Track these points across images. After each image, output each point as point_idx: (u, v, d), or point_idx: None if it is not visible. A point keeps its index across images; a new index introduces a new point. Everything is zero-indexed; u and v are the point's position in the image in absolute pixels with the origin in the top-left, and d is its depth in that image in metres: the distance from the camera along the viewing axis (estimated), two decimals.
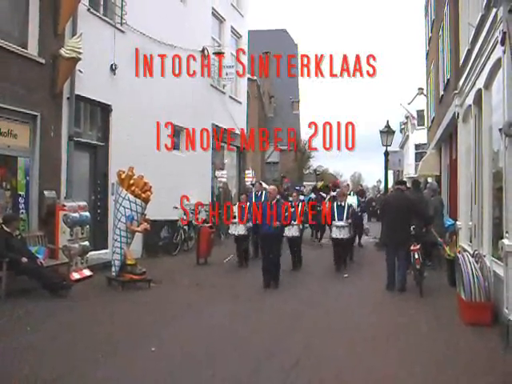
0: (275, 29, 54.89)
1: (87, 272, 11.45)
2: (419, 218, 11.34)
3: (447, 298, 9.70)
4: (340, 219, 13.01)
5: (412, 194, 12.87)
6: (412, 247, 10.72)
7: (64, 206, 11.22)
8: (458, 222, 13.08)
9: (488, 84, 9.52)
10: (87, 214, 11.79)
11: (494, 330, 7.67)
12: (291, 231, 12.87)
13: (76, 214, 11.35)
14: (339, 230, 12.92)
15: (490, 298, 8.12)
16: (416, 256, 10.57)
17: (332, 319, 8.57)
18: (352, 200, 15.59)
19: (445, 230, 12.92)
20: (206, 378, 5.74)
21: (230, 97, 22.35)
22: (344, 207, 13.16)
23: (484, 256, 8.96)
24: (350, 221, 13.07)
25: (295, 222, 12.92)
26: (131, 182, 10.86)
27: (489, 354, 6.77)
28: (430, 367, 6.25)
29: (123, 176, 10.96)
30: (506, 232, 7.31)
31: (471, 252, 9.73)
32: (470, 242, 11.74)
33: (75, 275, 10.95)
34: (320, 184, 22.76)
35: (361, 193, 21.31)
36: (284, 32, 56.32)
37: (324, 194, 19.15)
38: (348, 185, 16.30)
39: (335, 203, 13.58)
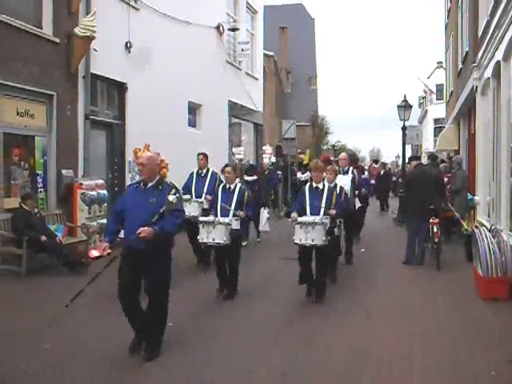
0: (291, 3, 54.19)
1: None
2: (439, 193, 11.31)
3: (464, 273, 9.67)
4: (314, 212, 7.97)
5: (431, 168, 12.79)
6: (431, 220, 10.72)
7: (82, 184, 11.32)
8: (475, 197, 12.98)
9: (507, 56, 9.39)
10: (105, 192, 11.89)
11: (511, 304, 7.67)
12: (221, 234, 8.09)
13: (94, 193, 11.46)
14: (305, 231, 7.72)
15: (506, 273, 8.09)
16: (435, 230, 10.58)
17: (345, 292, 8.64)
18: (344, 180, 10.30)
19: (467, 205, 12.83)
20: None
21: (247, 73, 22.22)
22: (323, 191, 8.12)
23: (501, 230, 8.92)
24: (334, 212, 7.99)
25: (231, 218, 8.18)
26: None
27: (505, 328, 6.78)
28: (444, 341, 6.30)
29: (139, 153, 10.98)
30: None
31: (489, 227, 9.66)
32: (488, 216, 11.69)
33: (94, 253, 11.06)
34: (306, 157, 17.49)
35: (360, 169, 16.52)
36: (300, 6, 55.66)
37: (301, 174, 16.45)
38: (345, 159, 11.44)
39: (307, 186, 8.46)
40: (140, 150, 11.49)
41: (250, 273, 9.42)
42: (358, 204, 11.43)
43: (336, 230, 8.58)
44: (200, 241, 8.22)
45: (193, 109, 17.44)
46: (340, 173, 10.57)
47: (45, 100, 11.01)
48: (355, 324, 7.01)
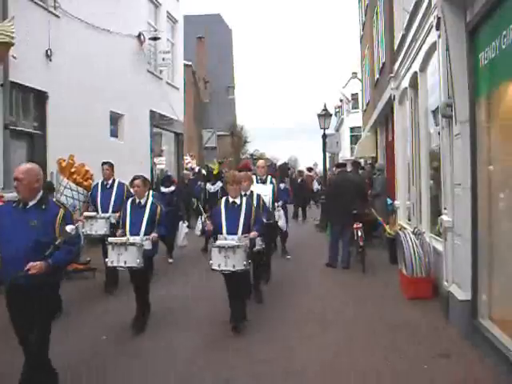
0: (209, 13, 54.41)
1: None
2: (362, 198, 11.75)
3: (389, 275, 10.09)
4: (231, 231, 7.16)
5: (354, 175, 13.28)
6: (354, 225, 11.14)
7: (2, 197, 10.88)
8: (396, 202, 13.54)
9: (423, 67, 9.89)
10: None
11: (434, 303, 8.07)
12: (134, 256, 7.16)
13: None
14: (225, 256, 6.84)
15: (430, 273, 8.51)
16: (359, 234, 11.00)
17: (274, 300, 8.78)
18: (263, 190, 9.25)
19: (386, 209, 13.38)
20: None
21: (167, 82, 22.12)
22: (241, 207, 7.30)
23: (423, 233, 9.35)
24: (255, 233, 7.27)
25: (143, 237, 7.36)
26: (72, 170, 10.70)
27: (432, 324, 7.14)
28: (376, 341, 6.58)
29: (64, 164, 10.78)
30: (445, 208, 7.66)
31: (410, 230, 10.12)
32: (409, 220, 12.22)
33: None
34: (215, 167, 15.24)
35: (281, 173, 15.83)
36: (218, 16, 55.97)
37: (210, 185, 14.42)
38: (264, 167, 10.28)
39: (222, 201, 7.54)
40: (64, 160, 11.34)
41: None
42: (281, 216, 10.09)
43: (260, 242, 7.91)
44: (109, 264, 7.26)
45: (115, 119, 17.15)
46: (258, 182, 9.79)
47: None
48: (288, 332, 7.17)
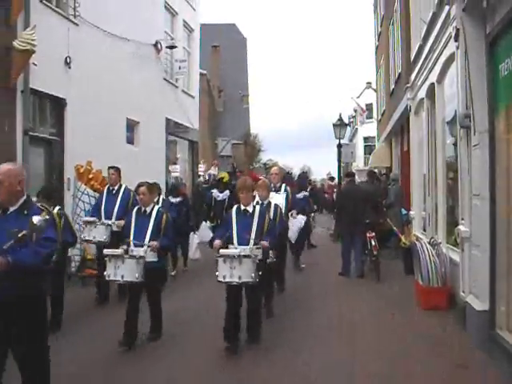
0: (224, 23, 54.73)
1: None
2: (373, 207, 11.81)
3: (404, 285, 10.07)
4: (243, 242, 6.65)
5: (369, 185, 13.31)
6: (368, 234, 11.20)
7: None
8: (411, 212, 13.51)
9: (440, 78, 9.90)
10: None
11: (451, 313, 8.05)
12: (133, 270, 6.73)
13: None
14: (231, 266, 6.26)
15: (446, 283, 8.49)
16: (373, 243, 11.03)
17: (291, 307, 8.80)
18: (277, 199, 8.80)
19: (401, 219, 13.37)
20: None
21: (183, 91, 22.26)
22: (253, 215, 6.82)
23: (440, 243, 9.33)
24: (266, 243, 6.69)
25: (146, 249, 6.94)
26: (90, 176, 10.79)
27: (450, 335, 7.11)
28: (395, 351, 6.56)
29: (82, 170, 10.88)
30: (462, 219, 7.66)
31: (426, 240, 10.09)
32: (424, 230, 12.19)
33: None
34: (225, 176, 14.88)
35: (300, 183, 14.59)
36: (233, 26, 56.28)
37: (218, 192, 13.66)
38: (278, 174, 9.86)
39: (234, 209, 7.05)
40: (82, 167, 11.43)
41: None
42: (294, 225, 9.92)
43: (272, 255, 7.39)
44: (107, 278, 6.79)
45: (131, 126, 17.28)
46: (271, 190, 9.00)
47: None
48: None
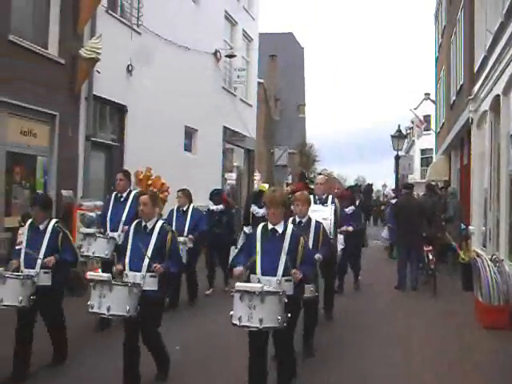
0: (282, 32, 54.92)
1: None
2: (429, 221, 11.61)
3: (461, 301, 9.80)
4: (268, 271, 5.04)
5: (427, 198, 13.08)
6: (425, 248, 11.01)
7: (81, 205, 11.30)
8: (470, 227, 13.16)
9: (507, 90, 9.61)
10: None
11: None
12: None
13: (93, 214, 11.42)
14: (249, 305, 4.66)
15: (508, 301, 8.20)
16: (430, 257, 10.84)
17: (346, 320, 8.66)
18: (323, 213, 7.38)
19: (460, 234, 13.04)
20: None
21: (241, 99, 22.44)
22: (283, 237, 5.13)
23: (502, 260, 9.03)
24: (299, 275, 4.97)
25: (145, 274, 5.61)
26: (149, 182, 10.96)
27: (507, 356, 6.85)
28: (457, 371, 6.32)
29: (141, 176, 11.07)
30: None
31: (485, 256, 9.80)
32: (484, 246, 11.84)
33: (90, 274, 10.98)
34: (264, 188, 11.70)
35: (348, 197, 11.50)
36: (290, 35, 56.41)
37: (256, 207, 11.16)
38: (323, 184, 8.20)
39: (259, 228, 5.32)
40: (141, 172, 11.63)
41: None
42: (340, 246, 8.82)
43: (311, 288, 6.18)
44: (90, 310, 5.34)
45: (189, 133, 17.54)
46: (316, 202, 7.69)
47: (48, 120, 11.04)
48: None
